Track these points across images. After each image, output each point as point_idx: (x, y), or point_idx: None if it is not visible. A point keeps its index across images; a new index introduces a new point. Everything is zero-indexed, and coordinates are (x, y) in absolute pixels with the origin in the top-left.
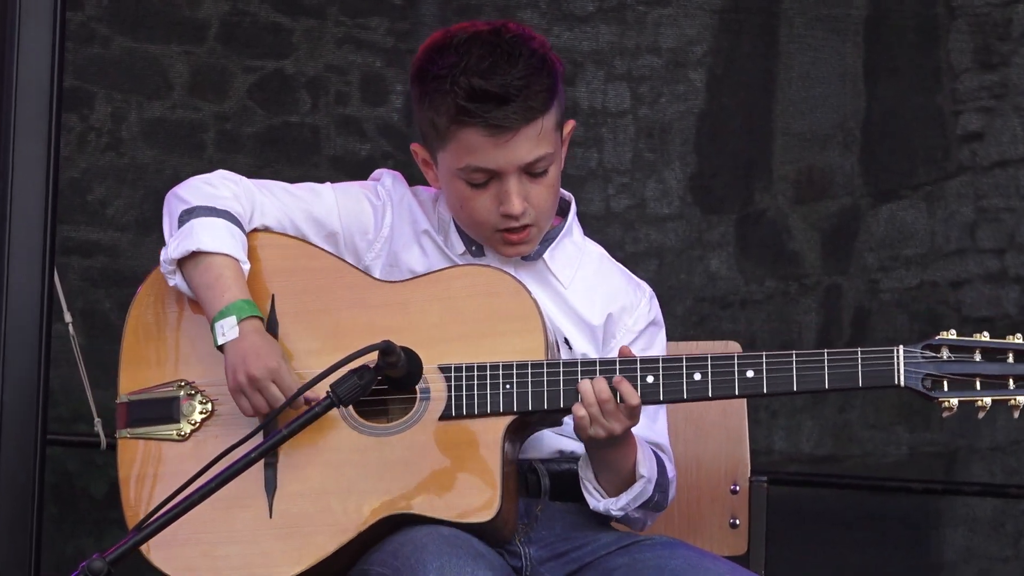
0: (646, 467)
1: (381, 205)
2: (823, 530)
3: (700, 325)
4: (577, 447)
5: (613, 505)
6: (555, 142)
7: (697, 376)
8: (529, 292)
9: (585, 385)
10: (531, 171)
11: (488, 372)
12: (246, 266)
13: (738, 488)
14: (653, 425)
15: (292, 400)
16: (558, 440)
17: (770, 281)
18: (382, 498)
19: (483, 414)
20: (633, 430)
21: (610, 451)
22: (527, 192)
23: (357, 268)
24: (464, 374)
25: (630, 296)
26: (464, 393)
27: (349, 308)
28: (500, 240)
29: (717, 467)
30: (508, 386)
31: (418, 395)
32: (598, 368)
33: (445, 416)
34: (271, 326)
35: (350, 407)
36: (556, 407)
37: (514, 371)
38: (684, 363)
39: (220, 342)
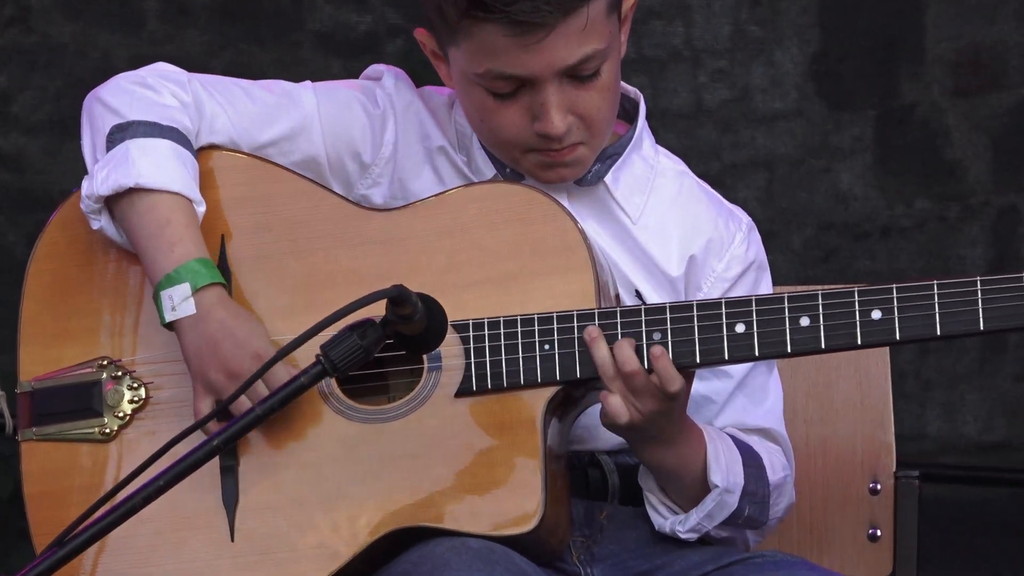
0: (721, 472)
1: (380, 115)
2: (994, 542)
3: (825, 262)
4: None
5: (680, 526)
6: (608, 32)
7: (805, 321)
8: (571, 215)
9: (601, 352)
10: (576, 74)
11: (519, 328)
12: (201, 208)
13: (880, 487)
14: (757, 407)
15: (262, 373)
16: None
17: (922, 202)
18: (383, 507)
19: (514, 386)
20: (728, 415)
21: (659, 450)
22: (572, 101)
23: (336, 194)
24: (487, 332)
25: (720, 230)
26: (488, 359)
27: (327, 248)
28: (536, 163)
29: (851, 458)
30: (547, 346)
31: (425, 365)
32: (668, 314)
33: (463, 391)
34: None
35: (334, 384)
36: None
37: (554, 325)
38: (786, 304)
39: (169, 319)
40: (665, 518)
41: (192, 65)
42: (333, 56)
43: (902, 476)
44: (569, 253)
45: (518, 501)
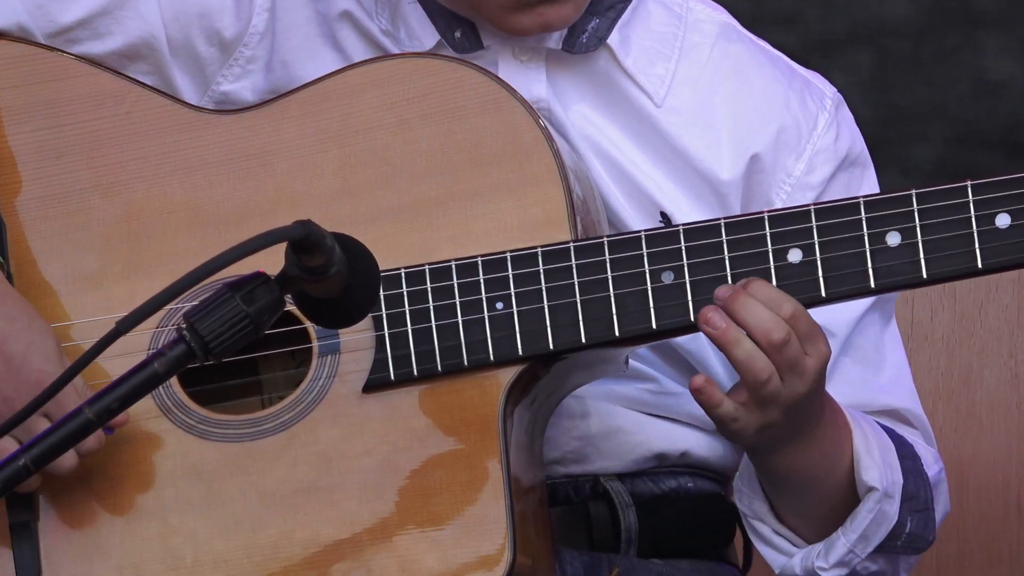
0: (876, 467)
1: None
2: None
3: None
4: (702, 445)
5: (821, 559)
6: None
7: (893, 238)
8: (523, 100)
9: (716, 322)
10: None
11: (455, 280)
12: None
13: None
14: (877, 375)
15: (72, 375)
16: (655, 430)
17: None
18: (268, 569)
19: (454, 370)
20: (839, 390)
21: (800, 450)
22: None
23: (159, 91)
24: (405, 289)
25: (794, 112)
26: (410, 330)
27: (151, 176)
28: (509, 4)
29: (1002, 483)
30: (500, 304)
31: (315, 345)
32: (683, 242)
33: (376, 383)
34: None
35: (175, 386)
36: (606, 337)
37: (509, 271)
38: (863, 215)
39: None
40: (790, 555)
41: None
42: None
43: None
44: (522, 158)
45: (472, 542)
